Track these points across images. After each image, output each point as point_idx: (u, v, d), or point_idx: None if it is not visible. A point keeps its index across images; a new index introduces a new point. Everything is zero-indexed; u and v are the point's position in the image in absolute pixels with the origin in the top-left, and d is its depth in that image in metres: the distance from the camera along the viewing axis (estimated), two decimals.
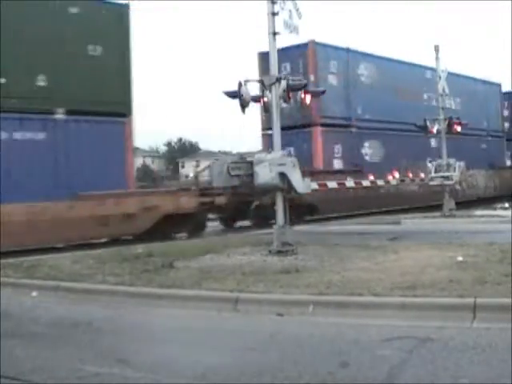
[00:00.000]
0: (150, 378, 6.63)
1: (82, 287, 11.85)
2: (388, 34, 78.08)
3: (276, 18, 14.88)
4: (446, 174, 26.38)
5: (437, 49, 27.45)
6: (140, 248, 16.30)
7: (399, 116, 32.23)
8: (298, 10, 14.95)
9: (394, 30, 76.83)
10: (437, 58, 27.59)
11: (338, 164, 30.06)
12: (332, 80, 29.62)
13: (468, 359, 6.68)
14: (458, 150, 32.27)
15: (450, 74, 34.71)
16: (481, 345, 7.14)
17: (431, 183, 27.66)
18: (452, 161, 26.89)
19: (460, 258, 12.05)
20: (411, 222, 23.90)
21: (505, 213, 26.23)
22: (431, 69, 33.22)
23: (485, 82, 42.20)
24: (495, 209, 29.05)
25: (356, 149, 30.97)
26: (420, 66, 34.95)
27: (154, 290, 11.03)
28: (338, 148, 29.77)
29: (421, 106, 33.16)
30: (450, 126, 27.39)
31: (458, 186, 32.04)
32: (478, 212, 27.41)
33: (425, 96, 34.55)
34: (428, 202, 30.71)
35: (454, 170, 26.56)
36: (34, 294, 11.83)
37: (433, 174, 26.92)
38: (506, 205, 30.04)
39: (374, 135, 32.04)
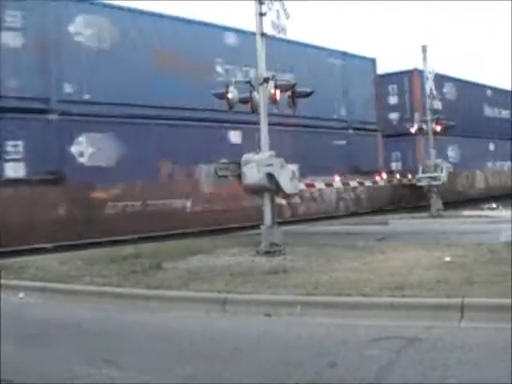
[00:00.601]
0: (138, 379, 6.61)
1: (69, 288, 11.80)
2: (386, 34, 78.22)
3: (264, 18, 14.90)
4: (434, 174, 26.47)
5: (424, 49, 27.47)
6: (128, 249, 16.25)
7: (161, 97, 21.38)
8: (285, 10, 14.95)
9: (392, 31, 76.92)
10: (424, 59, 27.63)
11: (14, 170, 18.86)
12: (8, 39, 18.80)
13: (456, 359, 6.68)
14: (292, 147, 23.64)
15: (285, 41, 24.32)
16: (468, 344, 7.16)
17: (418, 184, 27.70)
18: (439, 161, 26.98)
19: (448, 259, 12.07)
20: (399, 223, 23.94)
21: (492, 213, 26.36)
22: (238, 31, 24.57)
23: (346, 55, 30.02)
24: (483, 209, 29.13)
25: (58, 146, 19.72)
26: (214, 26, 24.18)
27: (141, 291, 10.99)
28: (13, 146, 18.76)
29: (212, 83, 21.01)
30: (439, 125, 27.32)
31: (282, 201, 24.05)
32: (466, 212, 27.50)
33: (219, 69, 23.81)
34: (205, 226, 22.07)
35: (442, 171, 26.65)
36: (21, 295, 11.77)
37: (420, 175, 26.98)
38: (494, 205, 30.17)
39: (100, 126, 20.47)
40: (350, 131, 29.56)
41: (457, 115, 32.27)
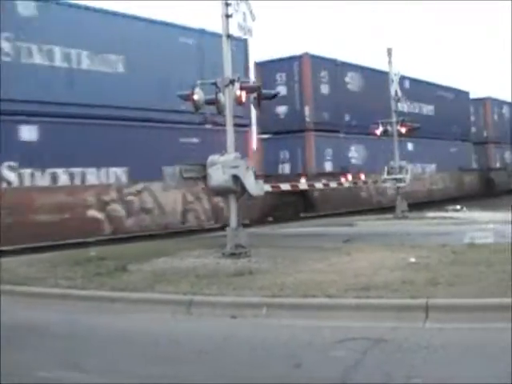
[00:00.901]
0: (103, 381, 6.58)
1: (33, 291, 11.66)
2: (385, 35, 78.37)
3: (230, 20, 14.86)
4: (399, 176, 26.58)
5: (389, 52, 27.56)
6: (93, 251, 16.11)
7: None
8: (251, 12, 14.95)
9: (392, 32, 77.01)
10: (389, 62, 27.66)
11: None
12: None
13: (421, 359, 6.73)
14: (119, 146, 19.72)
15: (111, 14, 20.41)
16: (433, 345, 7.21)
17: (384, 185, 27.72)
18: (403, 163, 27.07)
19: (412, 260, 12.15)
20: (364, 224, 24.00)
21: (457, 214, 26.58)
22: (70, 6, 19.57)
23: (204, 34, 22.59)
24: (447, 210, 29.28)
25: None
26: None
27: (106, 294, 10.90)
28: None
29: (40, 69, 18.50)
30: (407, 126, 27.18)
31: (97, 214, 19.77)
32: (431, 214, 27.64)
33: (6, 47, 18.08)
34: None
35: (406, 173, 26.76)
36: None
37: (385, 176, 27.02)
38: (458, 207, 30.38)
39: None
40: (207, 126, 21.94)
41: (362, 108, 28.72)
